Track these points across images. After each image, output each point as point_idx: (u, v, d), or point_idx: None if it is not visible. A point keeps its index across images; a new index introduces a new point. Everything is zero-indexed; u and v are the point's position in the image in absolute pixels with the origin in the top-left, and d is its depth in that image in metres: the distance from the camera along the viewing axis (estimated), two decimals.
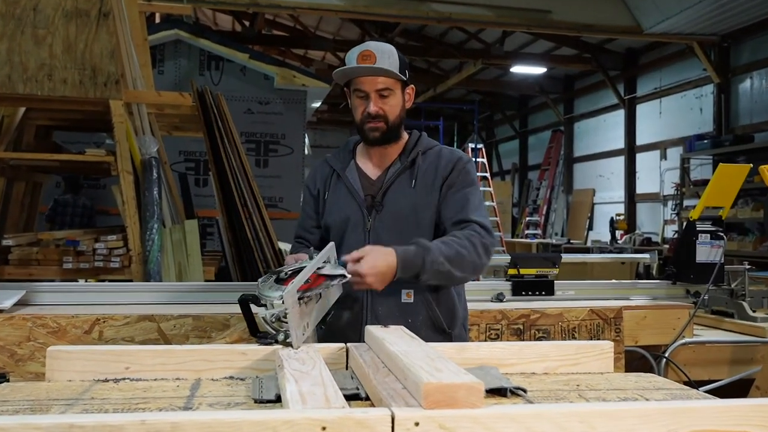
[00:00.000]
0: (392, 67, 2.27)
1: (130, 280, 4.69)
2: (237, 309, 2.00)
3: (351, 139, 2.56)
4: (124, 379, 1.72)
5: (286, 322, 1.82)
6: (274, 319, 1.84)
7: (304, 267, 1.95)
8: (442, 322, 2.34)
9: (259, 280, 1.99)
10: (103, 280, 4.78)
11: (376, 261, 2.08)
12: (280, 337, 1.83)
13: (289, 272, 1.97)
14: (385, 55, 2.27)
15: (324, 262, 2.01)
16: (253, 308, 1.95)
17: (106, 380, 1.70)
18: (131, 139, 4.97)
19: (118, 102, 4.79)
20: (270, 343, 1.83)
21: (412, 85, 2.40)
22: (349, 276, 2.04)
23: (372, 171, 2.43)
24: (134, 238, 4.76)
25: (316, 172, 2.53)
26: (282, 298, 1.81)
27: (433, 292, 2.37)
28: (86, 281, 4.95)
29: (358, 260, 2.07)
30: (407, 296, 2.34)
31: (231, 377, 1.77)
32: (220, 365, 1.78)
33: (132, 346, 1.84)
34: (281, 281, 1.93)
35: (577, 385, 1.75)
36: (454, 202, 2.32)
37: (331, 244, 2.13)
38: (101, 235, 4.99)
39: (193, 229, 5.33)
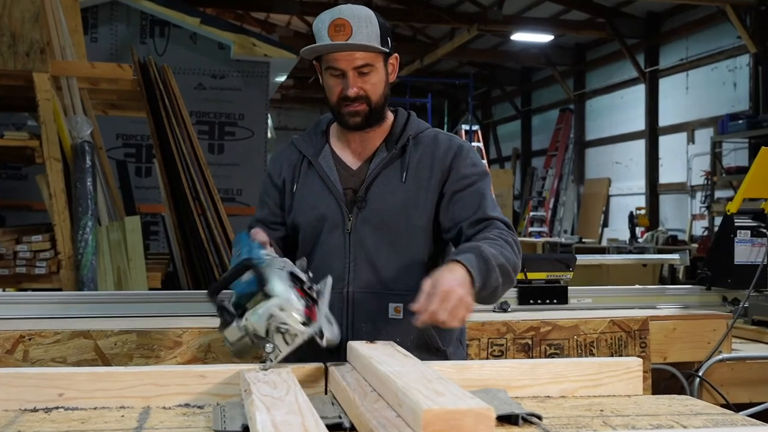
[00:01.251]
0: (372, 38, 2.23)
1: (60, 289, 4.65)
2: (190, 323, 1.99)
3: (323, 118, 2.50)
4: (57, 408, 1.69)
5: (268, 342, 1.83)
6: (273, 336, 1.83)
7: (322, 292, 1.96)
8: (436, 340, 2.32)
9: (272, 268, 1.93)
10: (27, 289, 4.73)
11: (446, 282, 1.92)
12: (268, 348, 1.83)
13: (310, 288, 1.97)
14: (363, 23, 2.22)
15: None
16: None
17: (35, 410, 1.67)
18: (59, 119, 4.93)
19: (43, 75, 4.75)
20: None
21: (396, 54, 2.36)
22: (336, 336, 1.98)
23: (352, 159, 2.38)
24: (64, 238, 4.71)
25: (281, 158, 2.48)
26: (304, 322, 1.83)
27: None
28: (4, 290, 4.90)
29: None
30: (396, 311, 2.29)
31: (187, 405, 1.75)
32: (174, 390, 1.75)
33: (66, 369, 1.82)
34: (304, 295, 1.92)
35: (601, 410, 1.75)
36: (469, 200, 2.28)
37: (330, 280, 2.06)
38: (23, 235, 4.93)
39: (134, 227, 5.29)
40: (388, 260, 2.29)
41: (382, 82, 2.29)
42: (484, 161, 16.03)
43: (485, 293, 2.05)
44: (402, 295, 2.27)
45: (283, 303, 1.83)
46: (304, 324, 1.83)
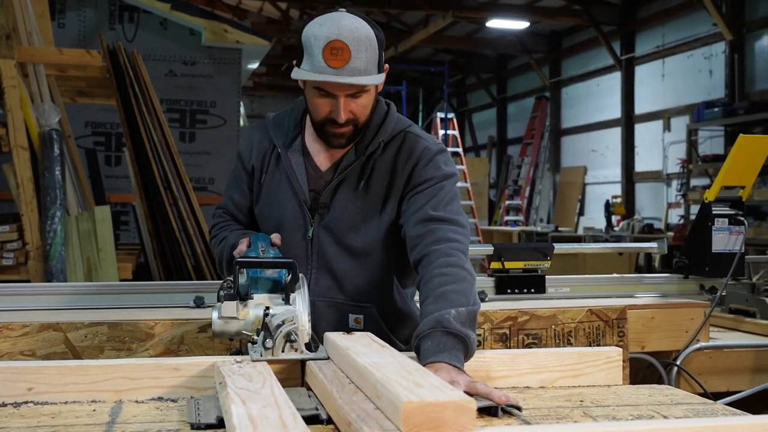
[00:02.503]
0: (370, 63, 2.08)
1: (28, 281, 4.61)
2: (162, 314, 1.99)
3: (300, 102, 2.36)
4: (26, 402, 1.67)
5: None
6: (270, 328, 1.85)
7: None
8: (402, 348, 2.28)
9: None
10: None
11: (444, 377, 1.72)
12: (268, 343, 1.83)
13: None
14: (362, 46, 2.05)
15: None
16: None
17: (4, 404, 1.66)
18: (26, 107, 4.88)
19: (9, 62, 4.70)
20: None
21: (387, 65, 2.20)
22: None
23: (322, 158, 2.28)
24: (32, 228, 4.67)
25: (252, 140, 2.39)
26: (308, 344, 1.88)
27: (388, 314, 2.31)
28: None
29: None
30: (356, 322, 2.26)
31: (160, 398, 1.74)
32: (146, 384, 1.74)
33: (35, 362, 1.80)
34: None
35: (581, 401, 1.76)
36: (419, 200, 2.18)
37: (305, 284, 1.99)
38: None
39: (104, 217, 5.25)
40: (349, 270, 2.25)
41: (371, 102, 2.19)
42: (458, 149, 16.11)
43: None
44: (362, 307, 2.25)
45: (303, 318, 1.86)
46: (307, 345, 1.87)
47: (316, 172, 2.27)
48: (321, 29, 2.06)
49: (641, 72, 15.36)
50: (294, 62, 2.16)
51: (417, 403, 1.25)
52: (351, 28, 2.06)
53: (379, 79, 2.13)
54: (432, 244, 2.08)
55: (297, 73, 2.12)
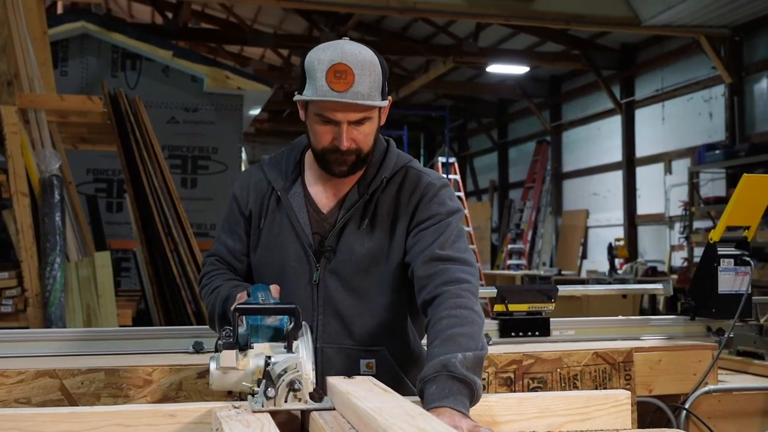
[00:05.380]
0: (373, 88, 2.06)
1: (27, 328, 4.56)
2: (160, 360, 1.93)
3: (297, 143, 2.34)
4: None
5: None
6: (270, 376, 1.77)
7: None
8: (414, 392, 2.23)
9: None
10: None
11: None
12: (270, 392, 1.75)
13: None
14: (366, 71, 2.04)
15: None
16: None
17: None
18: (27, 153, 4.87)
19: (10, 108, 4.70)
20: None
21: (390, 97, 2.18)
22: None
23: (324, 200, 2.23)
24: (31, 275, 4.64)
25: (248, 184, 2.32)
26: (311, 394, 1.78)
27: (402, 356, 2.25)
28: None
29: None
30: (368, 367, 2.19)
31: None
32: (142, 431, 1.70)
33: (28, 409, 1.76)
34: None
35: None
36: (425, 238, 2.14)
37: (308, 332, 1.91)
38: None
39: (104, 263, 5.21)
40: (358, 314, 2.19)
41: (374, 131, 2.15)
42: (460, 193, 16.12)
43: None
44: (373, 351, 2.19)
45: (306, 366, 1.78)
46: (311, 395, 1.78)
47: (318, 215, 2.22)
48: (324, 53, 2.05)
49: (641, 115, 15.40)
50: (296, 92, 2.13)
51: None
52: (355, 52, 2.05)
53: (383, 103, 2.10)
54: (441, 285, 2.04)
55: (299, 97, 2.09)
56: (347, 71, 2.01)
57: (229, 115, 10.48)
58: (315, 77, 2.03)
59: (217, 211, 10.06)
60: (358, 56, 2.05)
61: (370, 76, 2.05)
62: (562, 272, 15.45)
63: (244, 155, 11.68)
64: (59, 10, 11.19)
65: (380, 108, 2.14)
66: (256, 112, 12.25)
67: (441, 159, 16.82)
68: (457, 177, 16.41)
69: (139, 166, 6.21)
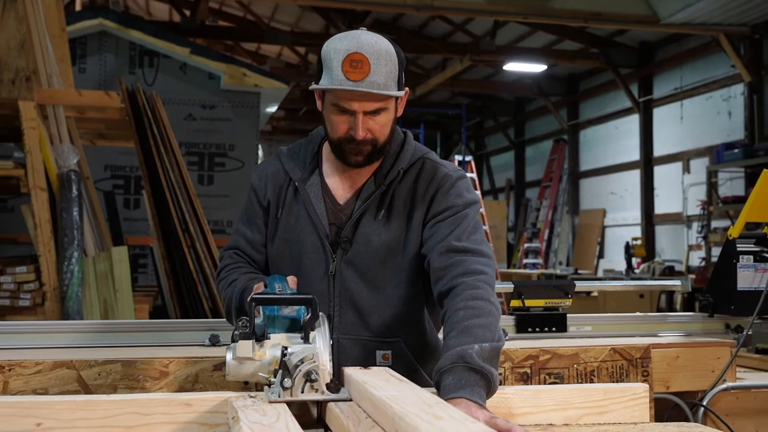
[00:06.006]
0: (389, 78, 2.05)
1: None
2: (177, 352, 1.93)
3: (316, 135, 2.35)
4: None
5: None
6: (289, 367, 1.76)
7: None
8: (430, 383, 2.23)
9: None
10: None
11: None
12: (286, 383, 1.74)
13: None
14: (382, 60, 2.03)
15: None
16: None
17: None
18: (45, 148, 4.90)
19: (29, 103, 4.73)
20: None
21: (407, 88, 2.17)
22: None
23: (341, 191, 2.24)
24: (49, 269, 4.66)
25: (266, 175, 2.33)
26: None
27: (418, 347, 2.25)
28: None
29: None
30: (384, 358, 2.19)
31: None
32: (158, 419, 1.70)
33: (44, 397, 1.77)
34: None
35: None
36: (443, 229, 2.14)
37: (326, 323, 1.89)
38: (8, 266, 4.87)
39: (121, 258, 5.23)
40: (375, 305, 2.19)
41: (391, 121, 2.15)
42: (477, 192, 16.09)
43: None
44: (389, 342, 2.19)
45: (324, 357, 1.77)
46: (328, 386, 1.78)
47: (335, 206, 2.22)
48: (341, 43, 2.05)
49: (659, 114, 15.33)
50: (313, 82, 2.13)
51: None
52: (371, 42, 2.05)
53: (399, 93, 2.10)
54: (458, 277, 2.03)
55: (315, 86, 2.10)
56: (363, 61, 2.01)
57: (246, 113, 10.50)
58: (331, 66, 2.04)
59: (234, 208, 10.09)
60: (375, 46, 2.05)
61: (386, 66, 2.05)
62: (579, 271, 15.39)
63: (260, 152, 11.70)
64: (77, 7, 11.24)
65: (397, 99, 2.14)
66: (272, 109, 12.26)
67: (457, 157, 16.78)
68: (474, 175, 16.37)
69: (157, 163, 6.22)
